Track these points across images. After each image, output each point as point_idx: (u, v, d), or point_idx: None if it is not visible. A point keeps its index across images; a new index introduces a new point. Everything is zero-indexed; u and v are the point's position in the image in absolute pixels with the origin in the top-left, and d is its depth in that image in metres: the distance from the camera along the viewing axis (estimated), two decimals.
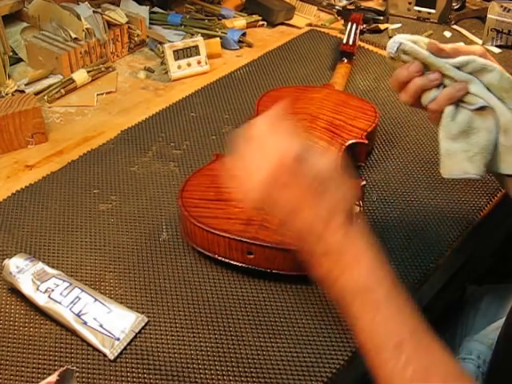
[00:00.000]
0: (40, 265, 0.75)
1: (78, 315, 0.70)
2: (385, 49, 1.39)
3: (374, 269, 0.59)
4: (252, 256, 0.76)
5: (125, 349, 0.69)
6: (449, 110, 0.75)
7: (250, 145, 0.63)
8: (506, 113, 0.73)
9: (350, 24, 1.27)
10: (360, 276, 0.59)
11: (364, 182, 0.85)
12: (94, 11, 1.19)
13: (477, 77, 0.72)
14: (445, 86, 0.73)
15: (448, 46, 0.74)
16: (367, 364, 0.58)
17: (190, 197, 0.81)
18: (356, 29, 1.26)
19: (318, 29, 1.41)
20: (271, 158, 0.60)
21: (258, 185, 0.61)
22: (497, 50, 1.33)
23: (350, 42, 1.24)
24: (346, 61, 1.21)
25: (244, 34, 1.34)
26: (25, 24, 1.26)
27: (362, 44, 1.34)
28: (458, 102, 0.73)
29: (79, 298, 0.72)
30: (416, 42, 0.74)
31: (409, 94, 0.73)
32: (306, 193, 0.60)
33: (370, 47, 1.34)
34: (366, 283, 0.59)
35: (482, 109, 0.73)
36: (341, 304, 0.61)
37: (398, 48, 0.73)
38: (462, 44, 0.77)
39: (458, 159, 0.77)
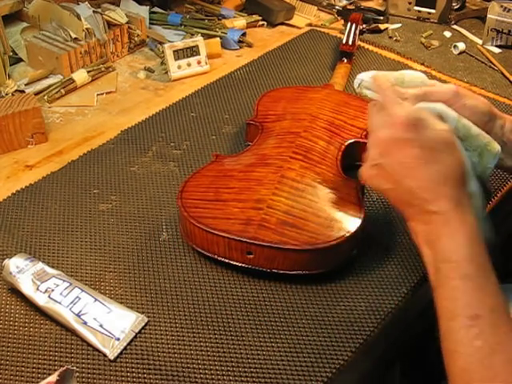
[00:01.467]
0: (40, 265, 0.75)
1: (78, 315, 0.70)
2: (385, 49, 1.40)
3: (471, 242, 0.62)
4: (251, 256, 0.76)
5: (125, 349, 0.69)
6: None
7: (376, 110, 0.70)
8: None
9: (349, 24, 1.27)
10: (457, 245, 0.62)
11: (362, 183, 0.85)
12: (94, 11, 1.19)
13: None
14: None
15: (414, 92, 0.75)
16: (440, 328, 0.61)
17: (189, 197, 0.81)
18: (355, 29, 1.26)
19: (318, 29, 1.41)
20: (388, 119, 0.66)
21: (377, 140, 0.67)
22: (497, 50, 1.33)
23: (350, 42, 1.24)
24: (345, 61, 1.22)
25: (244, 34, 1.34)
26: (25, 24, 1.26)
27: (362, 44, 1.34)
28: None
29: (79, 298, 0.72)
30: (386, 77, 0.76)
31: None
32: (416, 156, 0.64)
33: (370, 47, 1.34)
34: (460, 253, 0.61)
35: None
36: (428, 264, 0.64)
37: (359, 84, 0.77)
38: (434, 83, 0.78)
39: None
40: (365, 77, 0.77)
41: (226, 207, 0.79)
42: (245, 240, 0.75)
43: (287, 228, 0.76)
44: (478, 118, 0.75)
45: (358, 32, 1.26)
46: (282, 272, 0.76)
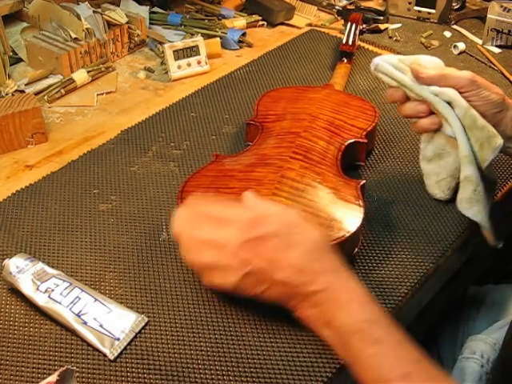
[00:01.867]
0: (40, 265, 0.75)
1: (78, 315, 0.70)
2: (385, 49, 1.40)
3: (367, 304, 0.61)
4: None
5: (125, 349, 0.69)
6: (425, 135, 0.84)
7: (190, 245, 0.67)
8: (463, 148, 0.77)
9: (349, 24, 1.27)
10: (356, 314, 0.60)
11: (363, 182, 0.85)
12: (94, 11, 1.19)
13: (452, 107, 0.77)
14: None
15: (431, 73, 0.77)
16: None
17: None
18: (356, 29, 1.26)
19: (318, 29, 1.41)
20: (232, 227, 0.64)
21: (232, 250, 0.63)
22: (497, 50, 1.33)
23: (350, 42, 1.24)
24: (345, 61, 1.21)
25: (244, 34, 1.34)
26: (25, 24, 1.26)
27: (362, 44, 1.34)
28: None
29: (79, 298, 0.72)
30: (402, 61, 0.80)
31: (402, 113, 0.83)
32: (274, 247, 0.63)
33: (370, 47, 1.34)
34: (363, 319, 0.60)
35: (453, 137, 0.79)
36: (335, 344, 0.62)
37: (375, 68, 0.81)
38: (451, 69, 0.80)
39: (431, 181, 0.87)
40: (381, 61, 0.80)
41: None
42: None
43: None
44: (490, 108, 0.77)
45: (358, 32, 1.26)
46: None
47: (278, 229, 0.63)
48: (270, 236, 0.63)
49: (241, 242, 0.63)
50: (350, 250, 0.80)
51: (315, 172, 0.85)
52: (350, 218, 0.79)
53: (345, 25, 1.32)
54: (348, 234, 0.76)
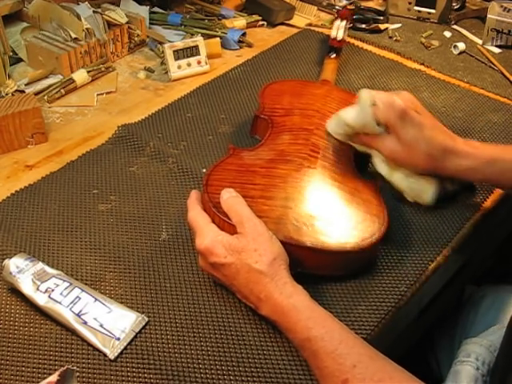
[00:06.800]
0: (40, 265, 0.75)
1: (78, 315, 0.70)
2: (385, 49, 1.39)
3: (299, 319, 0.66)
4: None
5: (125, 349, 0.69)
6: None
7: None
8: None
9: (339, 20, 1.26)
10: (292, 331, 0.66)
11: (379, 183, 0.85)
12: (94, 11, 1.19)
13: None
14: None
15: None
16: None
17: (215, 192, 0.78)
18: (345, 24, 1.25)
19: (312, 28, 1.41)
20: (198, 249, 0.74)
21: (203, 266, 0.76)
22: (497, 50, 1.33)
23: (339, 38, 1.23)
24: (333, 56, 1.21)
25: (244, 34, 1.34)
26: (25, 24, 1.26)
27: (362, 44, 1.35)
28: None
29: (79, 298, 0.72)
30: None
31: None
32: (227, 275, 0.71)
33: (370, 47, 1.34)
34: (300, 336, 0.65)
35: None
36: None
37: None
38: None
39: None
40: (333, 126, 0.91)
41: (256, 204, 0.77)
42: (280, 240, 0.73)
43: (318, 229, 0.75)
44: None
45: (347, 28, 1.26)
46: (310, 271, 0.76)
47: (225, 263, 0.71)
48: (221, 264, 0.71)
49: (203, 265, 0.75)
50: (376, 252, 0.80)
51: (335, 172, 0.85)
52: (376, 219, 0.78)
53: (334, 20, 1.31)
54: (376, 238, 0.76)
